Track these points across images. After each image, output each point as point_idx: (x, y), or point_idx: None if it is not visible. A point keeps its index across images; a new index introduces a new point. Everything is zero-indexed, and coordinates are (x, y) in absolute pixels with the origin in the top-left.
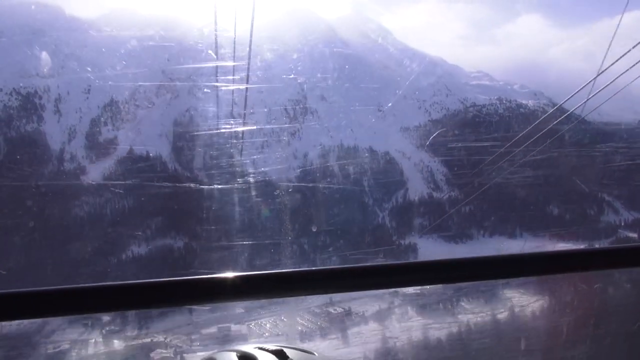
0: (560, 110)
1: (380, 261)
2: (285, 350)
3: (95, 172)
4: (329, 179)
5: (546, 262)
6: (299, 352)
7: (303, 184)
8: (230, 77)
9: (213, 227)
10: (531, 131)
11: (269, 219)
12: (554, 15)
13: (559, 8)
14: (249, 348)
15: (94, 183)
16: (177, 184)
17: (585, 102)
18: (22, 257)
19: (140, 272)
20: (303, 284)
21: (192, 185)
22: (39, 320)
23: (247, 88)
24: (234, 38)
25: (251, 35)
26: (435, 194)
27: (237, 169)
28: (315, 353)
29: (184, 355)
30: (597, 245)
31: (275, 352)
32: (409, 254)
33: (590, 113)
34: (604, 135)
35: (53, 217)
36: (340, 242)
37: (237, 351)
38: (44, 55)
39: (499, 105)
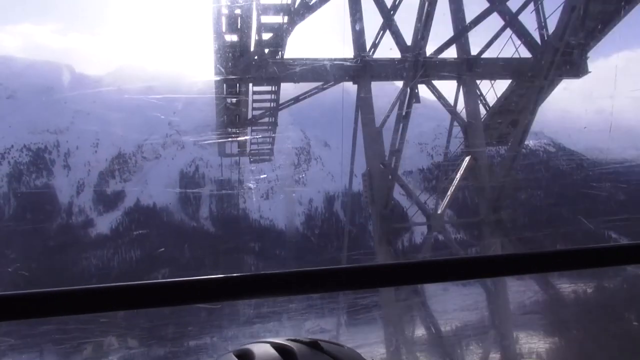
0: (562, 148)
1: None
2: (319, 341)
3: (102, 224)
4: (334, 224)
5: (541, 260)
6: (331, 344)
7: (307, 230)
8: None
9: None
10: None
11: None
12: None
13: None
14: (282, 340)
15: (101, 234)
16: (183, 233)
17: None
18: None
19: (146, 329)
20: (304, 284)
21: (198, 234)
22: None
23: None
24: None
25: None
26: (439, 237)
27: (243, 215)
28: (345, 346)
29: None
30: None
31: (309, 344)
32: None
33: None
34: (607, 173)
35: (60, 270)
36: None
37: (271, 343)
38: (54, 112)
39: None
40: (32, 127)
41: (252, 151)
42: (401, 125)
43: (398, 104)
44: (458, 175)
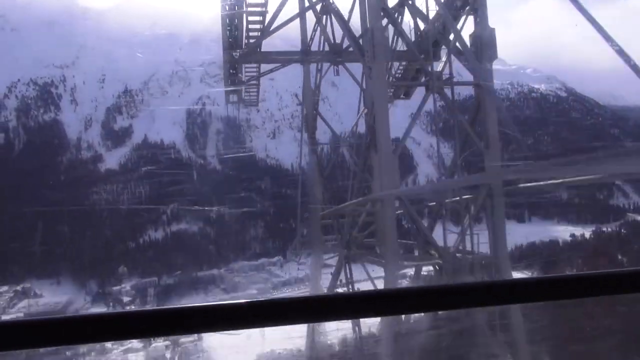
0: (573, 94)
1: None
2: None
3: (111, 160)
4: (339, 164)
5: (547, 287)
6: None
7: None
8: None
9: (227, 211)
10: (541, 116)
11: (277, 205)
12: None
13: None
14: None
15: (111, 170)
16: (191, 170)
17: None
18: (48, 241)
19: (156, 257)
20: (309, 311)
21: (205, 171)
22: (63, 301)
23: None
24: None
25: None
26: (444, 179)
27: (249, 154)
28: None
29: (201, 335)
30: (605, 228)
31: None
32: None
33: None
34: (618, 119)
35: (73, 203)
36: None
37: None
38: (59, 46)
39: (510, 90)
40: (38, 61)
41: (245, 98)
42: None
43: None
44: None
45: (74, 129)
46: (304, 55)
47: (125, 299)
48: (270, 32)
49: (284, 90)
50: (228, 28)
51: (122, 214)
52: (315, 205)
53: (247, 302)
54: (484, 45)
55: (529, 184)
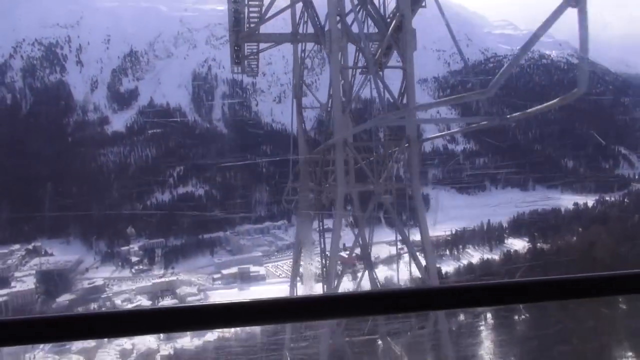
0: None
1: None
2: None
3: (118, 122)
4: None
5: (546, 288)
6: None
7: (315, 134)
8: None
9: (232, 174)
10: (552, 83)
11: (282, 169)
12: None
13: None
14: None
15: (117, 132)
16: (197, 134)
17: None
18: (57, 202)
19: (163, 219)
20: (323, 310)
21: (210, 135)
22: (73, 259)
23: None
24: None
25: None
26: (450, 146)
27: (255, 118)
28: None
29: (207, 292)
30: (610, 198)
31: None
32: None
33: (617, 64)
34: (629, 87)
35: (80, 165)
36: None
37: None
38: (62, 4)
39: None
40: (42, 20)
41: (247, 70)
42: None
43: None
44: None
45: (80, 91)
46: (293, 36)
47: (134, 258)
48: (266, 20)
49: (291, 54)
50: (234, 16)
51: (129, 176)
52: (303, 161)
53: (246, 301)
54: (406, 36)
55: None
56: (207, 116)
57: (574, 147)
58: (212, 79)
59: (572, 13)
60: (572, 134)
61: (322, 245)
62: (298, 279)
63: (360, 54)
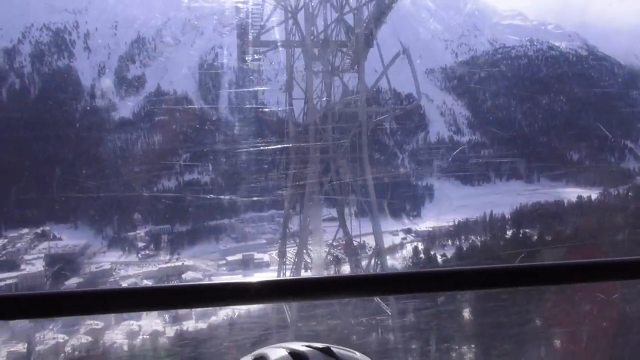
0: (594, 53)
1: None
2: (331, 347)
3: (125, 109)
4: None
5: (553, 272)
6: (344, 350)
7: (321, 126)
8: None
9: (238, 162)
10: (558, 75)
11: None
12: None
13: None
14: (296, 345)
15: (124, 119)
16: (203, 121)
17: None
18: (64, 187)
19: (170, 205)
20: (320, 290)
21: (216, 123)
22: (81, 244)
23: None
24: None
25: None
26: (455, 137)
27: (260, 106)
28: (356, 353)
29: (212, 278)
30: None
31: (322, 349)
32: (425, 195)
33: (626, 56)
34: (638, 79)
35: (88, 150)
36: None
37: (286, 348)
38: None
39: (529, 47)
40: (50, 5)
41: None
42: None
43: None
44: None
45: (87, 77)
46: (286, 42)
47: (140, 244)
48: (265, 31)
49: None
50: (242, 29)
51: (136, 162)
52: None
53: (257, 281)
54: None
55: None
56: (214, 103)
57: (579, 140)
58: (219, 66)
59: (582, 3)
60: (578, 126)
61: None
62: (301, 264)
63: (339, 53)
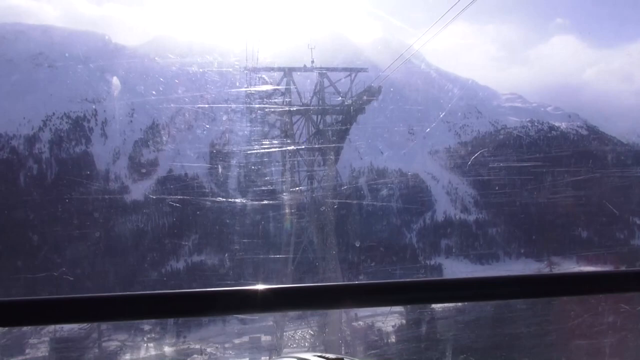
0: (595, 132)
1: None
2: (345, 359)
3: (137, 191)
4: (358, 200)
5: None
6: None
7: (332, 202)
8: (267, 100)
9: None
10: (562, 153)
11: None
12: (589, 36)
13: (594, 29)
14: (308, 356)
15: (136, 200)
16: (214, 202)
17: None
18: (81, 265)
19: (177, 286)
20: (329, 299)
21: (228, 202)
22: (87, 326)
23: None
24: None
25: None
26: (462, 216)
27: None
28: None
29: None
30: (623, 267)
31: None
32: (433, 275)
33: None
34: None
35: (103, 231)
36: (368, 260)
37: (298, 358)
38: (92, 81)
39: (530, 127)
40: (72, 95)
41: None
42: None
43: None
44: None
45: (102, 161)
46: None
47: (146, 327)
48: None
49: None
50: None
51: (145, 244)
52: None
53: (270, 288)
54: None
55: None
56: (223, 186)
57: (587, 217)
58: (229, 150)
59: (578, 85)
60: (584, 203)
61: None
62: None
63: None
